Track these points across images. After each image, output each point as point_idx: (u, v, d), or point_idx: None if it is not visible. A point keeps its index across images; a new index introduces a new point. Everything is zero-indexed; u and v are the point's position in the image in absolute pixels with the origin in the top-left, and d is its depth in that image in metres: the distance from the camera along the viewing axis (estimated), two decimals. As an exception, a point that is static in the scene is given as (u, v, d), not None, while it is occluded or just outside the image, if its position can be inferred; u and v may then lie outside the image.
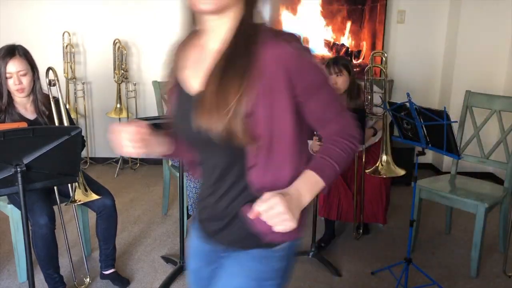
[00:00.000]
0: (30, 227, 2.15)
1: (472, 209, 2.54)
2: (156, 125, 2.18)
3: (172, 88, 1.16)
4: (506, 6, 3.88)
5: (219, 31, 1.06)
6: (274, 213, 0.97)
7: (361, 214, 2.91)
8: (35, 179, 1.77)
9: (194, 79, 1.09)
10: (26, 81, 2.19)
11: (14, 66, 2.14)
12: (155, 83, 3.33)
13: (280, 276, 1.16)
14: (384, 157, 2.64)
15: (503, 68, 4.01)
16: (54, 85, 2.24)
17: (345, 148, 1.09)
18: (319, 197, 2.76)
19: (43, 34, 4.15)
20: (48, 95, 2.30)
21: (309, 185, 1.05)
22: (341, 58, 2.97)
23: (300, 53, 1.03)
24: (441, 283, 2.45)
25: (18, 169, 1.67)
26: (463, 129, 2.90)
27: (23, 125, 1.96)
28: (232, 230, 1.13)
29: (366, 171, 2.74)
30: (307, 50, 1.06)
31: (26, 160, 1.69)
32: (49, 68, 2.27)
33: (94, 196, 2.28)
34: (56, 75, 2.27)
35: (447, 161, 3.94)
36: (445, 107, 2.10)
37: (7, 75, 2.15)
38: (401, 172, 2.63)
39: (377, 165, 2.66)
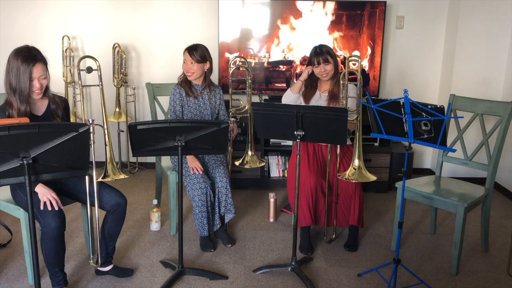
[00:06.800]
0: (40, 229, 2.22)
1: (453, 209, 2.73)
2: (156, 129, 2.25)
3: None
4: (504, 11, 3.99)
5: None
6: None
7: (335, 219, 3.04)
8: (43, 171, 1.87)
9: None
10: (44, 84, 2.40)
11: (37, 72, 2.34)
12: (148, 85, 3.42)
13: None
14: (356, 162, 2.71)
15: (501, 73, 4.11)
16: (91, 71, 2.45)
17: None
18: (299, 207, 2.84)
19: (43, 38, 4.29)
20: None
21: None
22: (323, 46, 2.99)
23: None
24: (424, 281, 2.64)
25: (25, 161, 1.76)
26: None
27: (25, 120, 2.04)
28: None
29: (338, 176, 2.81)
30: None
31: (33, 153, 1.77)
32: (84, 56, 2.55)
33: (122, 175, 2.49)
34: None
35: (446, 166, 4.00)
36: (445, 105, 2.19)
37: (31, 79, 2.33)
38: (372, 177, 2.67)
39: (349, 170, 2.73)
